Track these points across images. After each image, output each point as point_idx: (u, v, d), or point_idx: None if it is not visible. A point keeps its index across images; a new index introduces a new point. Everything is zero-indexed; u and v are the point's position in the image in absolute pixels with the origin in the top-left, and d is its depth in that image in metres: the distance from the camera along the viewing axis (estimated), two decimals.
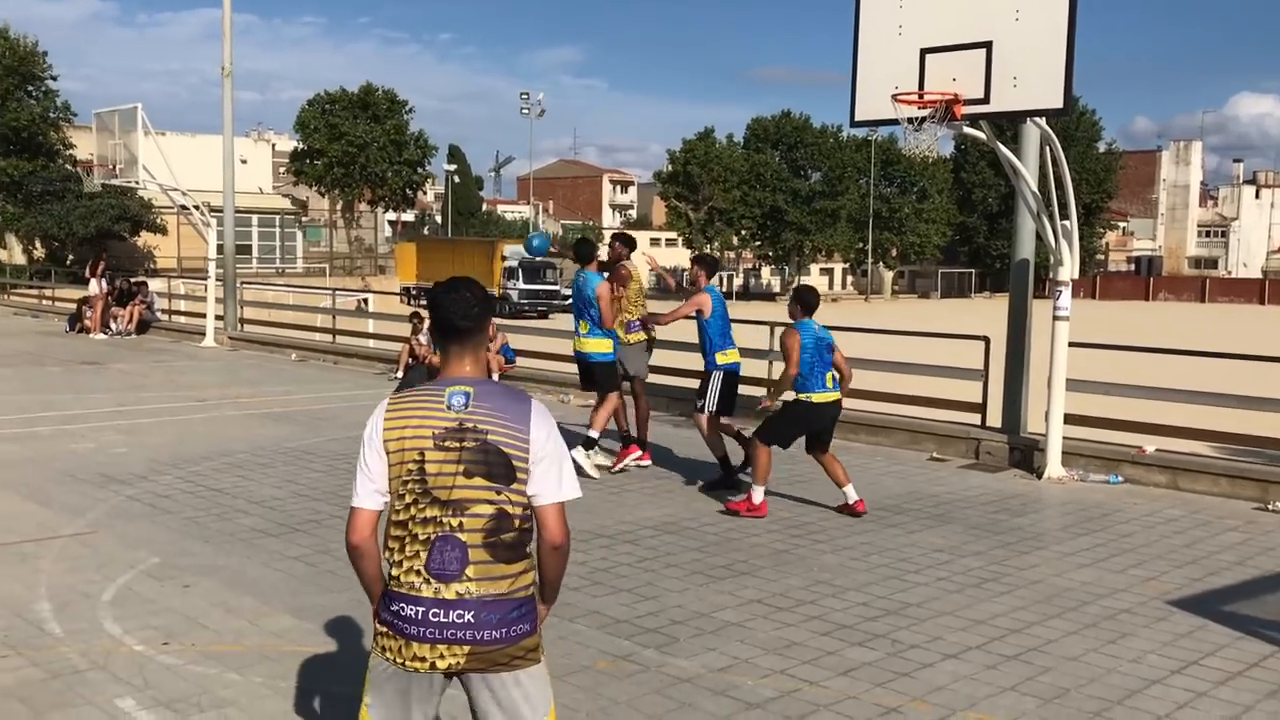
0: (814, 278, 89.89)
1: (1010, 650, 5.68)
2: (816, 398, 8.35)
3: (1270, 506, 8.99)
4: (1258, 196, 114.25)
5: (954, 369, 11.93)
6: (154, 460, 10.03)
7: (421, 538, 3.01)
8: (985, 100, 8.80)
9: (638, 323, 10.26)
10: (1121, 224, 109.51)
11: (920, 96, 8.99)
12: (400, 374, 16.55)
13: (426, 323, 17.57)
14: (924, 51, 9.05)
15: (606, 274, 10.19)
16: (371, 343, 20.75)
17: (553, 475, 3.10)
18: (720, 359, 9.60)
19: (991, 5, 8.76)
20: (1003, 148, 9.39)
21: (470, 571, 3.00)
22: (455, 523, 3.00)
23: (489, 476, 3.01)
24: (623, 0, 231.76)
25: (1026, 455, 10.47)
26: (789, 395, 8.63)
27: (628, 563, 7.10)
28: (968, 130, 9.29)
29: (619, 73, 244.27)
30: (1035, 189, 9.90)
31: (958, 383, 12.09)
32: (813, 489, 9.27)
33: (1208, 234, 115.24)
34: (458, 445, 3.00)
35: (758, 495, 8.34)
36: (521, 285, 52.58)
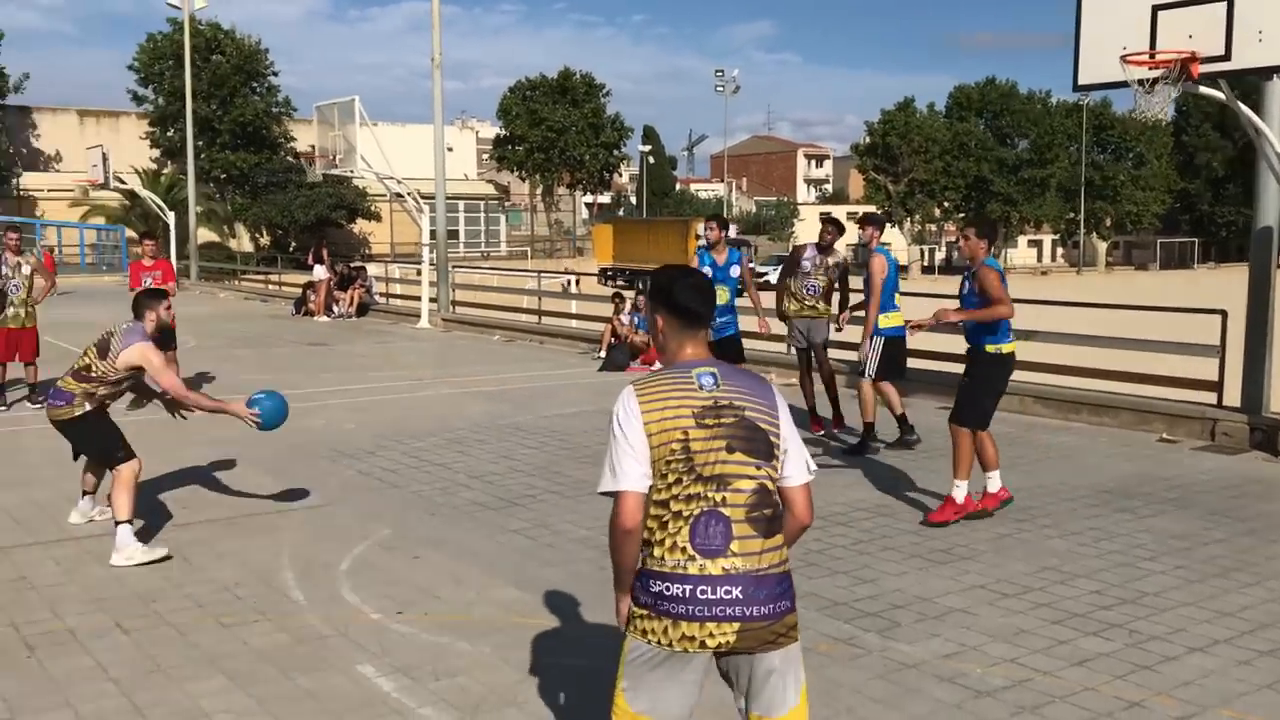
0: (1021, 250, 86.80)
1: (1264, 645, 5.31)
2: (1008, 348, 7.35)
3: None
4: None
5: (1186, 345, 11.25)
6: (380, 436, 10.51)
7: (685, 515, 3.01)
8: (1226, 57, 8.20)
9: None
10: None
11: (1151, 56, 8.46)
12: (603, 353, 16.83)
13: (628, 303, 17.81)
14: (1156, 8, 8.51)
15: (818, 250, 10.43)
16: (574, 323, 21.17)
17: (801, 456, 3.17)
18: (883, 322, 9.48)
19: None
20: (1244, 108, 8.76)
21: (735, 546, 3.00)
22: (719, 498, 3.01)
23: (749, 452, 3.04)
24: None
25: (1270, 436, 9.77)
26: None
27: (843, 545, 7.00)
28: (1204, 90, 8.69)
29: (813, 45, 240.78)
30: None
31: (1188, 360, 11.40)
32: (1036, 471, 8.93)
33: None
34: (716, 422, 3.03)
35: (961, 493, 7.35)
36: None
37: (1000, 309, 7.09)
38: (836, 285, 10.46)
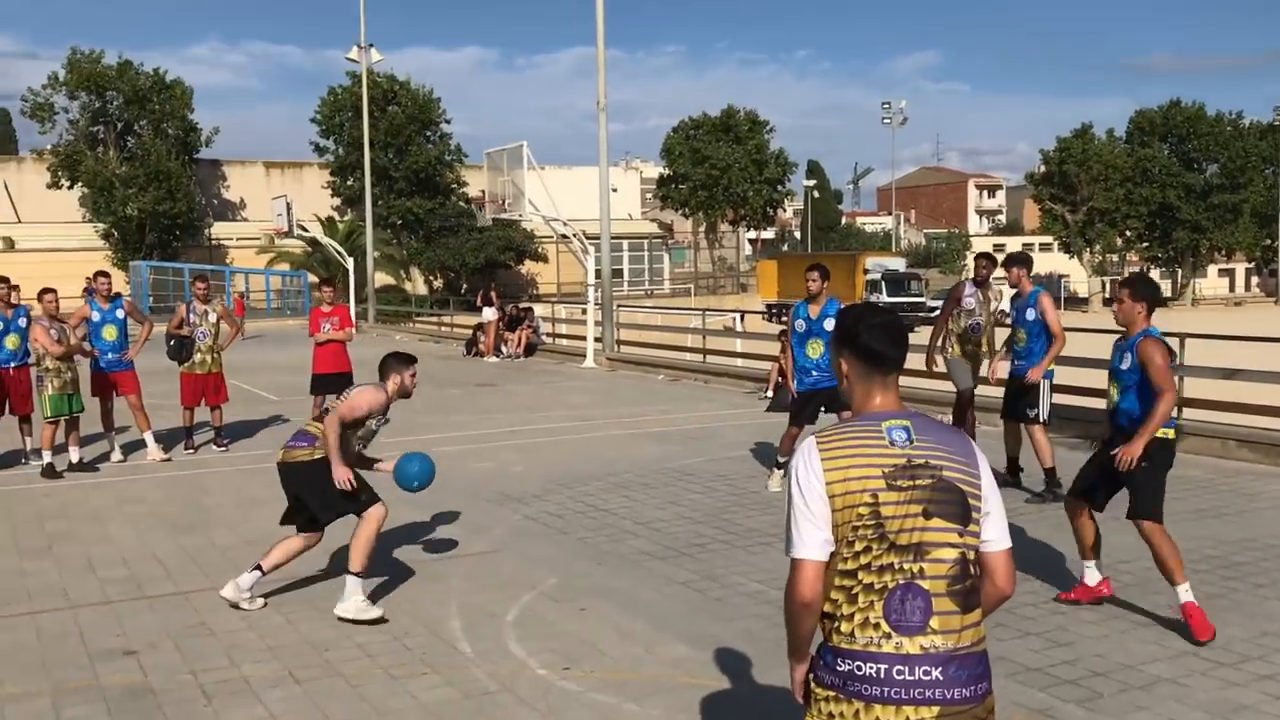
0: (1212, 279, 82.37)
1: None
2: (1173, 433, 6.25)
3: None
4: None
5: None
6: (547, 480, 10.48)
7: (876, 587, 2.74)
8: None
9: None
10: None
11: None
12: (770, 393, 16.53)
13: None
14: None
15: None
16: (739, 362, 20.92)
17: (1003, 518, 2.88)
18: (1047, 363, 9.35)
19: None
20: None
21: (934, 623, 2.72)
22: (915, 569, 2.73)
23: (950, 517, 2.76)
24: None
25: None
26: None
27: (1033, 603, 6.53)
28: None
29: (982, 73, 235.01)
30: None
31: None
32: (1245, 523, 8.23)
33: None
34: (910, 484, 2.75)
35: (1190, 593, 5.94)
36: (885, 298, 51.56)
37: (1168, 399, 6.01)
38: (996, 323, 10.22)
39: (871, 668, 2.71)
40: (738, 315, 28.17)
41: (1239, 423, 11.34)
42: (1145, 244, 74.57)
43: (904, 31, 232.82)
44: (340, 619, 6.34)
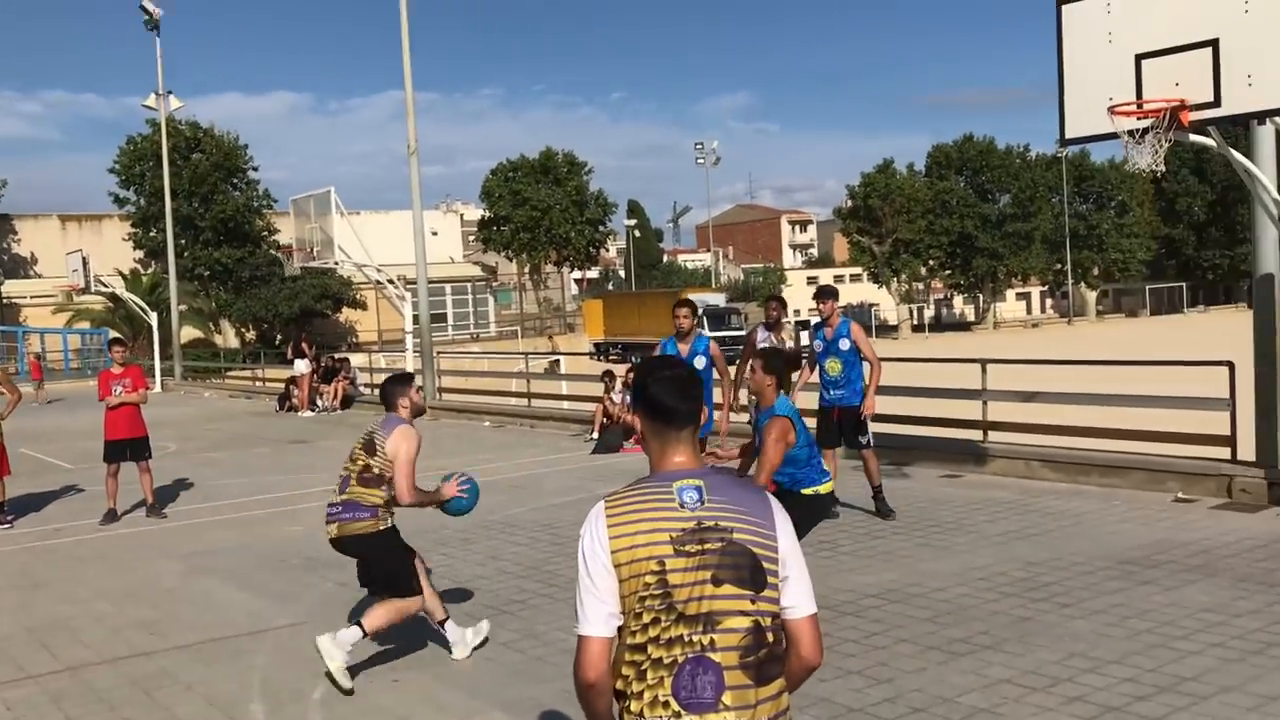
0: (1010, 303, 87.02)
1: None
2: (824, 488, 6.63)
3: None
4: None
5: (1194, 399, 10.86)
6: None
7: (666, 662, 2.55)
8: (1215, 104, 7.93)
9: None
10: None
11: (1139, 106, 8.20)
12: (595, 434, 16.42)
13: (619, 380, 17.43)
14: (1139, 57, 8.26)
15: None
16: (566, 404, 20.76)
17: (805, 582, 2.69)
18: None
19: None
20: (1236, 154, 8.51)
21: (727, 698, 2.54)
22: (706, 640, 2.55)
23: (740, 582, 2.58)
24: (789, 42, 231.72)
25: None
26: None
27: (853, 639, 6.53)
28: (1195, 138, 8.42)
29: (790, 113, 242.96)
30: (1276, 195, 8.93)
31: (1198, 414, 11.02)
32: (1050, 542, 8.49)
33: None
34: (699, 548, 2.57)
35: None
36: (708, 332, 52.35)
37: (768, 470, 6.27)
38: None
39: None
40: (557, 360, 28.04)
41: (1041, 443, 11.79)
42: (948, 271, 78.24)
43: (714, 74, 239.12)
44: (318, 649, 6.05)
